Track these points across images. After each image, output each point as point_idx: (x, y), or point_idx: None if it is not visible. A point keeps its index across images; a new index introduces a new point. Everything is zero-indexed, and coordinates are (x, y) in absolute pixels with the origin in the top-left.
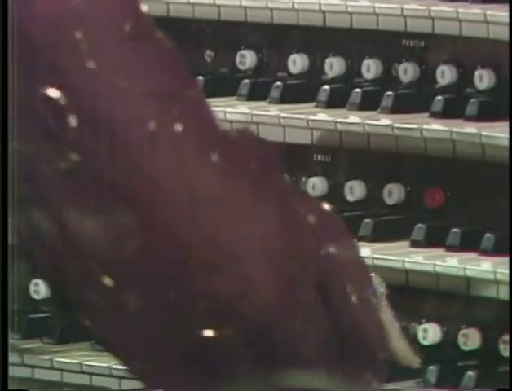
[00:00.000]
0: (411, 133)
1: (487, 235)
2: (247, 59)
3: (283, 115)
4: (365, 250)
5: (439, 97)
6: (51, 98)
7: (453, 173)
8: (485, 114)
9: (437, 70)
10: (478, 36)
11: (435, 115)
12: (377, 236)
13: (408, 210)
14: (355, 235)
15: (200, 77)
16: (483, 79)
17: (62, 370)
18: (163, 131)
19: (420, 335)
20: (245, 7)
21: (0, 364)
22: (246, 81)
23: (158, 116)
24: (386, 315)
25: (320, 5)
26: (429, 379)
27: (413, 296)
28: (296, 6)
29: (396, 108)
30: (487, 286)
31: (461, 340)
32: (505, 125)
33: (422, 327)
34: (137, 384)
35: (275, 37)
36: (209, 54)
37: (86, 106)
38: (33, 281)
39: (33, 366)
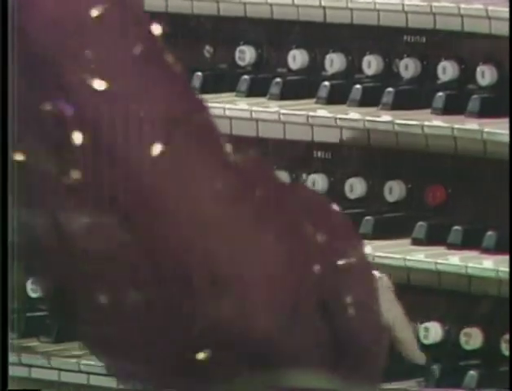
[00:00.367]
0: (412, 129)
1: (489, 232)
2: (246, 54)
3: (283, 111)
4: (366, 248)
5: (441, 93)
6: (56, 114)
7: (455, 170)
8: (487, 110)
9: (438, 66)
10: (480, 32)
11: (437, 111)
12: (378, 234)
13: (409, 207)
14: None
15: (199, 73)
16: (485, 75)
17: (59, 369)
18: (168, 155)
19: (421, 334)
20: (245, 3)
21: (0, 364)
22: (246, 77)
23: (163, 140)
24: (395, 309)
25: (320, 0)
26: (430, 378)
27: (414, 294)
28: (296, 1)
29: (397, 105)
30: (488, 284)
31: (462, 339)
32: (507, 121)
33: (424, 325)
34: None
35: (275, 33)
36: (208, 49)
37: (90, 125)
38: (30, 279)
39: (30, 366)
